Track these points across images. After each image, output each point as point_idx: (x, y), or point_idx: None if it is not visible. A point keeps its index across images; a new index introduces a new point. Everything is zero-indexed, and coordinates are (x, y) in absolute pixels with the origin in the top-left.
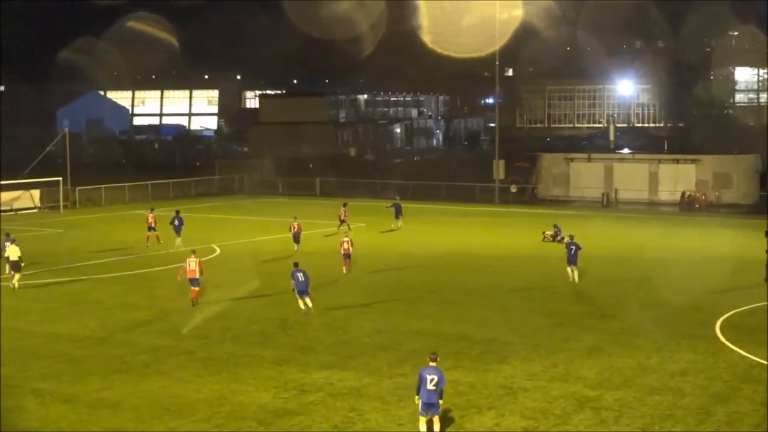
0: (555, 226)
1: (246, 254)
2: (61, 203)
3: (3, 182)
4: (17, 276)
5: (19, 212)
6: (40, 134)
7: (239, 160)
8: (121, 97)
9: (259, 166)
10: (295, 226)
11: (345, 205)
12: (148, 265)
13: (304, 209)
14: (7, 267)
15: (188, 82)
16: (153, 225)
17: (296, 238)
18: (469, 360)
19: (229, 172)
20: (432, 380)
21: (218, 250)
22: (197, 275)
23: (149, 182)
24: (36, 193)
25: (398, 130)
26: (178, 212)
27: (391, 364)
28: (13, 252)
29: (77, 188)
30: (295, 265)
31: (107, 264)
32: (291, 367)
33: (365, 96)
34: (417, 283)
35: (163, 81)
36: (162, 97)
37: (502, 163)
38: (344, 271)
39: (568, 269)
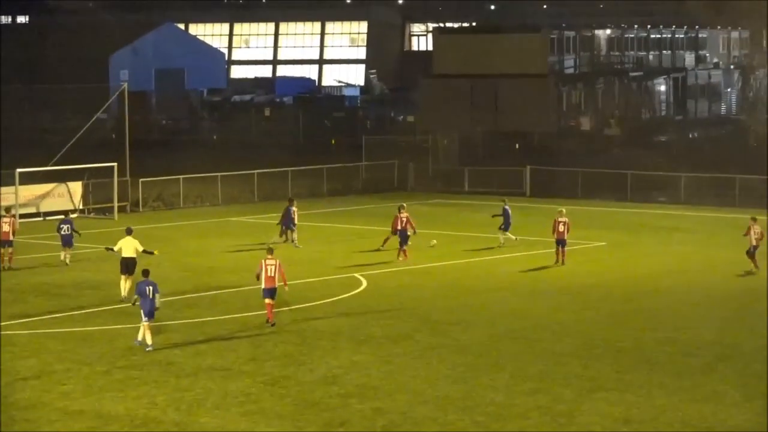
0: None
1: (409, 289)
2: (116, 204)
3: (22, 170)
4: (126, 282)
5: (48, 218)
6: (82, 93)
7: (401, 136)
8: (211, 34)
9: (432, 147)
10: (403, 220)
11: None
12: (258, 305)
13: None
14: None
15: (319, 9)
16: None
17: (403, 237)
18: None
19: (383, 157)
20: None
21: (364, 282)
22: (276, 284)
23: (255, 171)
24: (76, 188)
25: (663, 88)
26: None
27: None
28: (127, 246)
29: (141, 180)
30: (145, 273)
31: (188, 302)
32: None
33: (608, 31)
34: (691, 343)
35: (279, 7)
36: (276, 34)
37: None
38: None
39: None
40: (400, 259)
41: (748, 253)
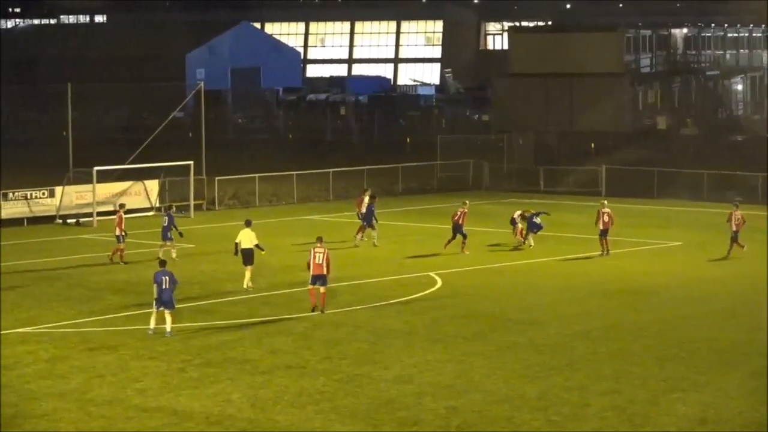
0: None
1: (483, 288)
2: (192, 202)
3: (100, 168)
4: (248, 272)
5: (126, 215)
6: (159, 92)
7: (476, 135)
8: (287, 33)
9: (507, 146)
10: (458, 213)
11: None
12: (334, 302)
13: (571, 216)
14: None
15: (394, 8)
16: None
17: (457, 229)
18: None
19: (458, 156)
20: None
21: (439, 281)
22: (324, 271)
23: (330, 170)
24: (153, 186)
25: (739, 87)
26: (372, 197)
27: None
28: (246, 238)
29: (217, 178)
30: (161, 263)
31: (264, 300)
32: None
33: (684, 30)
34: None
35: (354, 6)
36: (352, 33)
37: None
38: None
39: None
40: (465, 252)
41: (732, 239)
